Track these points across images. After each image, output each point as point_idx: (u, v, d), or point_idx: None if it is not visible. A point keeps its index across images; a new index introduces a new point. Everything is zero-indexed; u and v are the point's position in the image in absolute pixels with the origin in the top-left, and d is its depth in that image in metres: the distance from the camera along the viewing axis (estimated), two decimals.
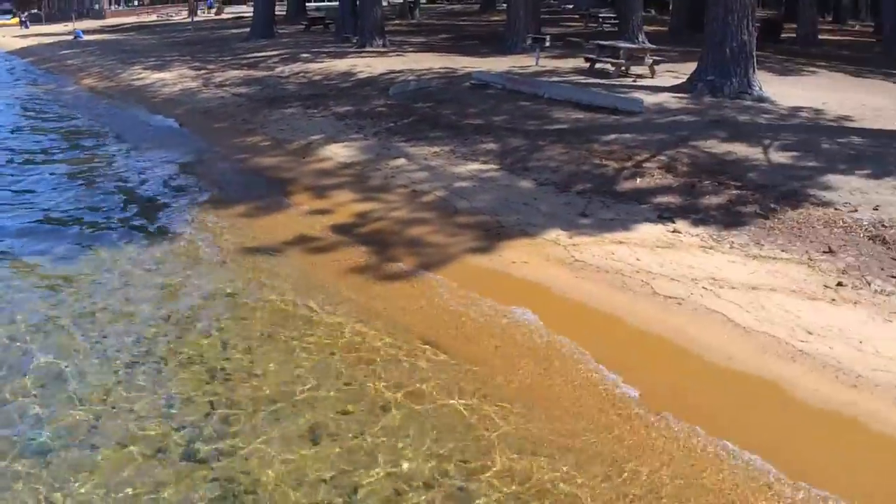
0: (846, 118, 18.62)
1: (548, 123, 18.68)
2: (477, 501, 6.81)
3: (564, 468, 7.19)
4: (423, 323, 10.01)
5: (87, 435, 7.70)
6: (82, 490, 6.91)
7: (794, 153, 15.61)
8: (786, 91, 21.47)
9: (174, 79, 29.07)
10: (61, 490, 6.91)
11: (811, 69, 27.09)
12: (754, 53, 20.99)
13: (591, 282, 10.85)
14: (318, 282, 11.22)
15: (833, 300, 9.95)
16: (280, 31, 41.35)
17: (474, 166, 15.90)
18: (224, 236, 12.98)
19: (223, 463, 7.29)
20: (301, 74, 27.53)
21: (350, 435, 7.72)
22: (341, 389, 8.51)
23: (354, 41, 34.09)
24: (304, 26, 43.62)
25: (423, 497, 6.89)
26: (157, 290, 11.05)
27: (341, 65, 28.59)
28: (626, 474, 7.11)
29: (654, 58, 25.10)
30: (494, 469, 7.21)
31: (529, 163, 15.82)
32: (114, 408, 8.14)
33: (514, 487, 6.96)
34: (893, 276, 10.48)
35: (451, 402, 8.28)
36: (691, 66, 22.37)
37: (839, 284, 10.31)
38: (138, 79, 29.72)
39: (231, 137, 19.93)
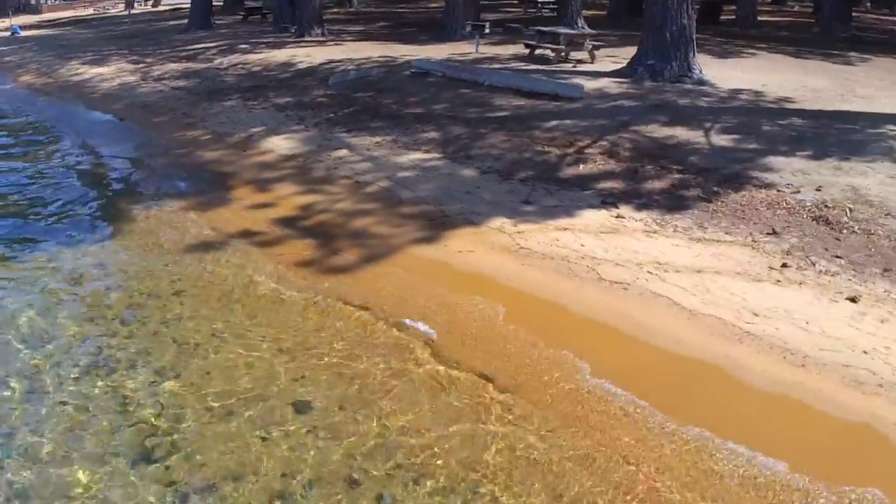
0: (786, 99, 18.77)
1: (489, 111, 18.62)
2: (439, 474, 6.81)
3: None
4: (370, 311, 9.94)
5: (38, 436, 7.53)
6: (35, 492, 6.79)
7: (736, 136, 15.69)
8: (726, 74, 21.60)
9: (112, 73, 28.57)
10: (13, 493, 6.79)
11: (751, 51, 27.31)
12: (694, 37, 21.06)
13: (537, 269, 10.80)
14: (263, 276, 11.06)
15: (778, 281, 9.98)
16: (218, 22, 40.87)
17: (417, 156, 15.80)
18: (167, 232, 12.70)
19: (176, 461, 7.18)
20: (240, 66, 27.23)
21: (306, 429, 7.65)
22: (292, 385, 8.40)
23: (293, 31, 33.79)
24: (241, 17, 43.13)
25: (383, 483, 6.88)
26: (104, 287, 10.82)
27: (280, 55, 28.33)
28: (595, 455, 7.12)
29: (594, 43, 25.08)
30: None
31: (472, 151, 15.75)
32: (64, 405, 7.99)
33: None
34: (838, 257, 10.55)
35: (415, 385, 8.24)
36: (631, 51, 22.43)
37: (784, 266, 10.36)
38: (76, 74, 29.15)
39: (171, 132, 19.62)
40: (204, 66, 28.00)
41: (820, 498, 6.58)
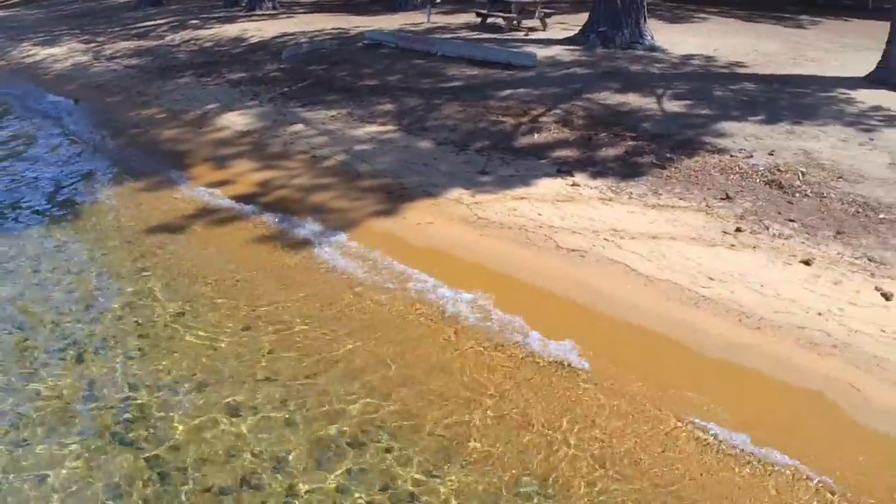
0: (738, 64, 18.91)
1: (443, 81, 18.60)
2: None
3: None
4: (334, 288, 9.98)
5: (12, 421, 7.53)
6: (13, 477, 6.80)
7: (688, 101, 15.81)
8: (677, 39, 21.72)
9: (65, 54, 28.15)
10: None
11: (702, 15, 27.43)
12: (645, 3, 21.13)
13: (495, 238, 10.87)
14: (223, 255, 11.03)
15: (732, 246, 10.12)
16: None
17: (373, 128, 15.77)
18: (126, 214, 12.58)
19: (151, 442, 7.21)
20: (192, 42, 26.97)
21: (274, 404, 7.71)
22: (260, 361, 8.44)
23: (243, 4, 33.44)
24: None
25: (352, 460, 6.95)
26: (65, 273, 10.67)
27: (232, 30, 28.08)
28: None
29: (545, 10, 25.04)
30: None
31: (427, 122, 15.75)
32: (37, 394, 7.96)
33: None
34: (791, 220, 10.70)
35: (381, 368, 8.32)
36: (582, 18, 22.49)
37: (738, 230, 10.49)
38: (28, 56, 28.73)
39: (126, 111, 19.40)
40: (156, 43, 27.71)
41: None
